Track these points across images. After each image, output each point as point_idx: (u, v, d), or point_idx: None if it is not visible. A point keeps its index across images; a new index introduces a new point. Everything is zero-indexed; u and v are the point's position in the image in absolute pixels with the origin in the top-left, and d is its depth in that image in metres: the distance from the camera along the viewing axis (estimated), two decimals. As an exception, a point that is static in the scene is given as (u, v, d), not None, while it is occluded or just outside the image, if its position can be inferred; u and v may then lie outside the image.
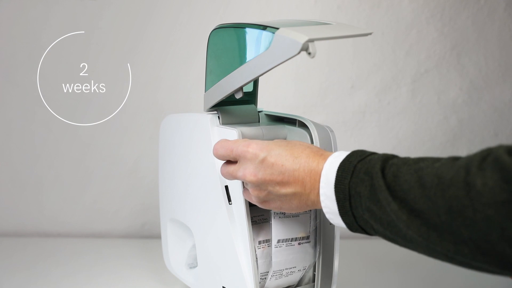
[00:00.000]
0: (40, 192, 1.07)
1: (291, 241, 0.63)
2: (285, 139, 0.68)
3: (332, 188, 0.52)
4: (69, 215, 1.08)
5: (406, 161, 0.49)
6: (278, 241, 0.62)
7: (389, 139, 1.09)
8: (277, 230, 0.62)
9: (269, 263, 0.62)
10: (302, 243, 0.63)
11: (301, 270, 0.64)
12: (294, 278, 0.65)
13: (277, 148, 0.56)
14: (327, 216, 0.54)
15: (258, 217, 0.64)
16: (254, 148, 0.57)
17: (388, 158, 0.51)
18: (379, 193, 0.48)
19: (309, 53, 0.51)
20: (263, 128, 0.67)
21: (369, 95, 1.08)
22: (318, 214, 0.65)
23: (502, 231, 0.41)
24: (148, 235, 1.07)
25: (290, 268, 0.63)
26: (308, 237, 0.64)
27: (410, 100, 1.09)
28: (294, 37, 0.52)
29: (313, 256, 0.64)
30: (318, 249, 0.64)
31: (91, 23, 1.04)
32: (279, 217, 0.62)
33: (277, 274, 0.63)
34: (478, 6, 1.07)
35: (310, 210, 0.64)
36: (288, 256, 0.62)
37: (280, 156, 0.56)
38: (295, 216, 0.63)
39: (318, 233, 0.64)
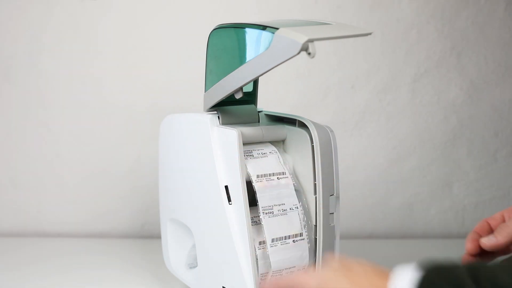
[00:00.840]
0: (40, 192, 1.07)
1: (285, 239, 0.63)
2: (285, 139, 0.69)
3: None
4: (69, 215, 1.08)
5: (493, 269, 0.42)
6: (273, 240, 0.62)
7: (389, 139, 1.09)
8: (270, 229, 0.62)
9: (269, 264, 0.63)
10: (296, 241, 0.63)
11: (301, 270, 0.64)
12: None
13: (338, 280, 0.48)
14: None
15: (258, 217, 0.64)
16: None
17: (474, 272, 0.43)
18: None
19: (309, 53, 0.51)
20: (262, 128, 0.67)
21: (369, 95, 1.08)
22: (306, 210, 0.65)
23: None
24: (148, 235, 1.07)
25: (289, 268, 0.63)
26: (301, 234, 0.64)
27: (410, 100, 1.09)
28: (294, 37, 0.52)
29: (310, 255, 0.64)
30: (315, 248, 0.65)
31: (91, 23, 1.04)
32: (269, 217, 0.62)
33: (277, 274, 0.63)
34: (478, 6, 1.07)
35: (297, 207, 0.64)
36: (285, 255, 0.63)
37: None
38: (283, 214, 0.63)
39: (318, 232, 0.64)
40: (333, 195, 0.65)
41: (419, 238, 1.10)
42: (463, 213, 1.11)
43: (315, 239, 0.65)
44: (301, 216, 0.64)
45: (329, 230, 0.65)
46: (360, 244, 1.04)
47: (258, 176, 0.64)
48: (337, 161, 0.66)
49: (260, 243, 0.63)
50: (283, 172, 0.65)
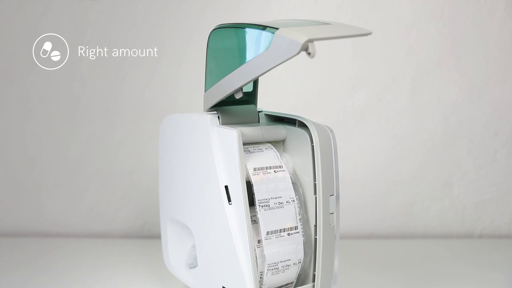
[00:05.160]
0: (40, 192, 1.07)
1: (280, 232, 0.63)
2: (285, 139, 0.69)
3: None
4: (69, 215, 1.08)
5: None
6: (268, 233, 0.62)
7: (389, 139, 1.09)
8: (265, 222, 0.62)
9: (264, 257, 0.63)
10: (291, 234, 0.63)
11: (297, 263, 0.64)
12: (291, 274, 0.65)
13: None
14: None
15: (256, 216, 0.64)
16: None
17: None
18: None
19: (309, 53, 0.51)
20: (262, 128, 0.67)
21: (369, 95, 1.08)
22: (302, 203, 0.65)
23: None
24: (148, 235, 1.07)
25: (284, 261, 0.63)
26: (296, 227, 0.64)
27: (410, 100, 1.09)
28: (293, 37, 0.52)
29: (305, 247, 0.64)
30: (315, 248, 0.65)
31: (90, 22, 1.04)
32: (265, 210, 0.62)
33: (273, 268, 0.63)
34: (478, 6, 1.07)
35: (294, 200, 0.64)
36: (280, 247, 0.63)
37: None
38: (279, 207, 0.63)
39: (318, 232, 0.64)
40: (333, 195, 0.65)
41: (419, 238, 1.10)
42: (463, 213, 1.11)
43: (315, 239, 0.65)
44: (297, 209, 0.64)
45: (329, 230, 0.65)
46: (360, 244, 1.04)
47: (255, 169, 0.64)
48: (337, 161, 0.66)
49: (259, 241, 0.63)
50: (279, 166, 0.65)
